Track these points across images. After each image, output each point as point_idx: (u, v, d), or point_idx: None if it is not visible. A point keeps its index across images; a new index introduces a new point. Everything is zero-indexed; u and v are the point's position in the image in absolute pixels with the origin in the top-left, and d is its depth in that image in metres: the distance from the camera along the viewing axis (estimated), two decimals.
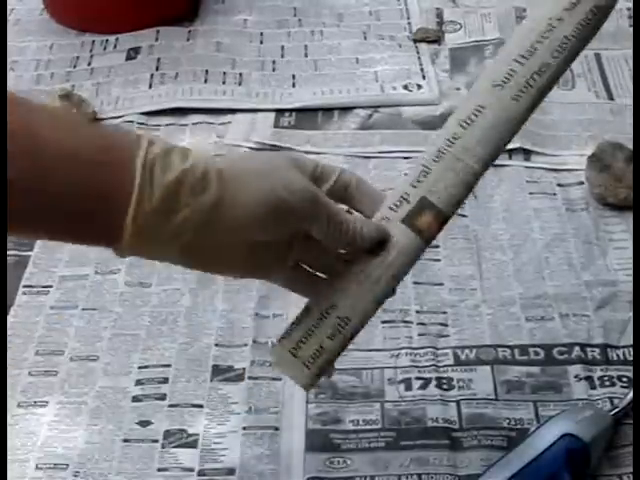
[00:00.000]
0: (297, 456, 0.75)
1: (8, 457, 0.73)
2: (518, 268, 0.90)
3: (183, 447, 0.76)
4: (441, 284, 0.89)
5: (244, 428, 0.77)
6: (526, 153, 1.04)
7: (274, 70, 1.20)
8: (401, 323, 0.85)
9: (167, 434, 0.77)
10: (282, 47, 1.24)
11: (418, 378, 0.80)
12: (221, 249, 0.55)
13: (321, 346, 0.59)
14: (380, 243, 0.59)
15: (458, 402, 0.78)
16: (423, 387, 0.79)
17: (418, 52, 1.22)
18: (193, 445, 0.76)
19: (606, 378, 0.79)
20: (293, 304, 0.74)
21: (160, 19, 1.29)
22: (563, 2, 0.59)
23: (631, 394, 0.75)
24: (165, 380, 0.81)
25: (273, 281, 0.65)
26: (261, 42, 1.26)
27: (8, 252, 0.94)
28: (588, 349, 0.82)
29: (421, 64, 1.19)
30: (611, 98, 1.12)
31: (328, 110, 1.14)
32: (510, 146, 1.00)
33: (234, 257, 0.57)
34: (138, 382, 0.81)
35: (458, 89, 1.15)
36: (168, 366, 0.82)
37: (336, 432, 0.76)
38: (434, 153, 0.60)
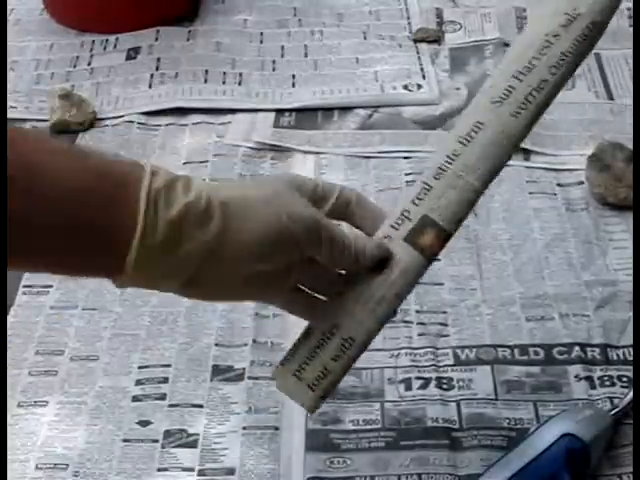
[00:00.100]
0: (297, 456, 0.75)
1: (8, 457, 0.73)
2: (518, 268, 0.90)
3: (183, 447, 0.76)
4: (441, 284, 0.89)
5: (244, 428, 0.77)
6: (526, 153, 1.04)
7: (274, 70, 1.20)
8: (401, 323, 0.84)
9: (167, 434, 0.77)
10: (282, 47, 1.25)
11: (418, 378, 0.80)
12: (222, 280, 0.54)
13: (325, 368, 0.59)
14: (382, 262, 0.59)
15: (458, 402, 0.78)
16: (423, 387, 0.79)
17: (418, 52, 1.22)
18: (193, 445, 0.76)
19: (606, 378, 0.79)
20: None
21: (160, 19, 1.29)
22: (559, 18, 0.59)
23: (631, 394, 0.75)
24: (165, 380, 0.81)
25: (271, 304, 0.65)
26: (261, 42, 1.26)
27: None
28: (588, 349, 0.82)
29: (421, 64, 1.19)
30: (611, 98, 1.12)
31: (328, 110, 1.14)
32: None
33: (234, 286, 0.56)
34: (138, 382, 0.81)
35: (458, 89, 1.15)
36: (168, 366, 0.82)
37: (336, 432, 0.76)
38: (434, 170, 0.60)
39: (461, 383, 0.79)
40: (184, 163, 1.07)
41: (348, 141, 1.09)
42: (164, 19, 1.29)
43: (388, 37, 1.25)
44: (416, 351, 0.82)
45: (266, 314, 0.86)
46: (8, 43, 1.25)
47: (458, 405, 0.78)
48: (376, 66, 1.19)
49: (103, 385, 0.81)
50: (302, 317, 0.63)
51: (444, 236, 0.60)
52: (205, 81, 1.18)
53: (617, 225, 0.95)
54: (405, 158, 1.05)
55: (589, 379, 0.79)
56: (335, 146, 1.08)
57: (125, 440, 0.76)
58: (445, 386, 0.79)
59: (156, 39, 1.26)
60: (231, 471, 0.74)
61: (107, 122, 1.13)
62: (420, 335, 0.84)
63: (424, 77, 1.17)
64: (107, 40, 1.27)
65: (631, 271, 0.88)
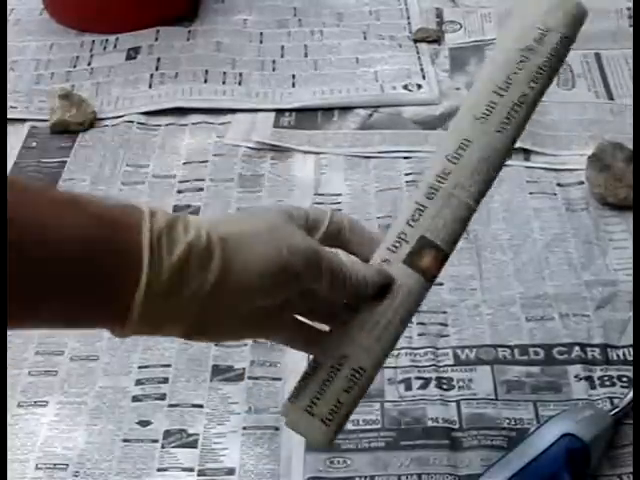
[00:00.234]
0: (297, 456, 0.75)
1: (8, 457, 0.73)
2: (518, 268, 0.90)
3: (183, 447, 0.76)
4: (441, 284, 0.89)
5: (244, 428, 0.77)
6: (526, 153, 1.04)
7: (274, 70, 1.20)
8: None
9: (167, 434, 0.77)
10: (282, 47, 1.25)
11: (418, 378, 0.80)
12: (222, 319, 0.53)
13: (338, 400, 0.57)
14: (384, 287, 0.58)
15: (458, 402, 0.78)
16: (423, 387, 0.79)
17: (418, 52, 1.22)
18: (193, 445, 0.76)
19: (606, 378, 0.79)
20: None
21: (160, 19, 1.29)
22: (532, 33, 0.61)
23: (631, 394, 0.75)
24: (165, 380, 0.81)
25: (271, 340, 0.64)
26: (261, 42, 1.26)
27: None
28: (588, 349, 0.82)
29: (421, 64, 1.19)
30: (611, 98, 1.12)
31: (328, 110, 1.14)
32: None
33: (234, 325, 0.55)
34: (138, 382, 0.81)
35: (458, 89, 1.15)
36: (168, 366, 0.82)
37: None
38: (426, 190, 0.60)
39: (461, 383, 0.79)
40: (184, 163, 1.07)
41: (348, 141, 1.09)
42: (164, 19, 1.29)
43: (388, 37, 1.25)
44: (416, 351, 0.82)
45: None
46: (8, 43, 1.25)
47: (458, 405, 0.78)
48: (376, 66, 1.19)
49: (103, 385, 0.81)
50: (305, 351, 0.62)
51: (442, 256, 0.59)
52: (205, 81, 1.18)
53: (617, 225, 0.95)
54: (405, 158, 1.05)
55: (589, 379, 0.79)
56: (335, 146, 1.08)
57: (125, 440, 0.76)
58: (445, 386, 0.79)
59: (156, 39, 1.26)
60: (231, 471, 0.74)
61: (107, 122, 1.13)
62: (420, 335, 0.84)
63: (424, 77, 1.17)
64: (107, 40, 1.27)
65: (631, 271, 0.88)
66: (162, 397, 0.80)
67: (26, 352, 0.84)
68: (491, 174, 0.60)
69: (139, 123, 1.12)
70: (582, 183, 0.99)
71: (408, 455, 0.74)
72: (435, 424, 0.76)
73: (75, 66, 1.23)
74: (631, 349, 0.81)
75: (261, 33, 1.27)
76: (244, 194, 1.02)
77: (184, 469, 0.74)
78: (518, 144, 1.00)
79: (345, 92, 1.16)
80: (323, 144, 1.08)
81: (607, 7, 1.25)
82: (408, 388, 0.79)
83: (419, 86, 1.16)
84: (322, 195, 1.01)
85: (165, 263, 0.48)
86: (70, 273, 0.46)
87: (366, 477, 0.73)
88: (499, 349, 0.82)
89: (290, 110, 1.14)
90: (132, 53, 1.24)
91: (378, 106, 1.14)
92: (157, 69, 1.21)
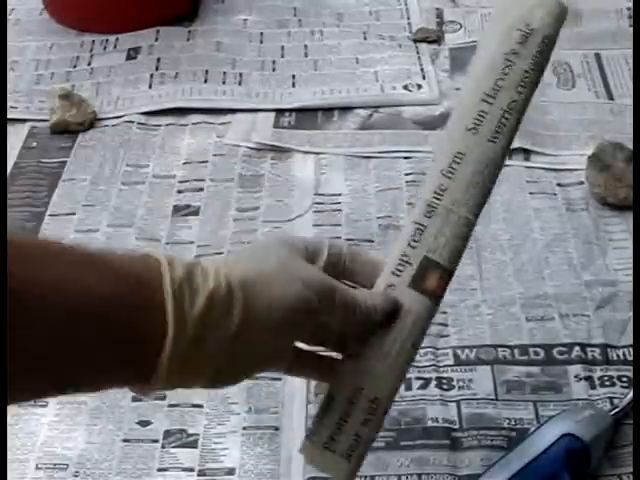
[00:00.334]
0: (297, 456, 0.74)
1: (8, 457, 0.73)
2: (518, 268, 0.90)
3: (183, 447, 0.76)
4: None
5: (244, 428, 0.77)
6: (526, 153, 1.04)
7: (274, 70, 1.20)
8: None
9: (167, 434, 0.77)
10: (282, 47, 1.25)
11: (418, 378, 0.80)
12: (245, 362, 0.52)
13: (357, 434, 0.56)
14: (392, 313, 0.57)
15: (458, 402, 0.78)
16: (423, 387, 0.79)
17: (418, 52, 1.22)
18: (193, 445, 0.76)
19: (606, 378, 0.79)
20: None
21: (160, 19, 1.29)
22: (514, 35, 0.60)
23: (631, 394, 0.75)
24: None
25: (286, 373, 0.63)
26: (261, 42, 1.26)
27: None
28: (588, 349, 0.82)
29: (421, 64, 1.19)
30: (611, 98, 1.12)
31: (328, 110, 1.14)
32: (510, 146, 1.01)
33: (254, 365, 0.53)
34: None
35: (458, 89, 1.15)
36: None
37: None
38: (425, 208, 0.59)
39: (461, 383, 0.79)
40: (184, 163, 1.07)
41: (348, 141, 1.09)
42: (164, 19, 1.29)
43: (388, 37, 1.25)
44: None
45: None
46: (8, 43, 1.25)
47: (458, 405, 0.78)
48: (376, 66, 1.19)
49: None
50: (319, 380, 0.61)
51: (447, 275, 0.58)
52: (205, 81, 1.18)
53: (617, 225, 0.95)
54: (405, 158, 1.05)
55: (589, 379, 0.79)
56: (335, 146, 1.08)
57: (125, 440, 0.76)
58: (445, 386, 0.79)
59: (156, 39, 1.26)
60: (231, 471, 0.74)
61: (107, 122, 1.13)
62: None
63: (424, 77, 1.17)
64: (107, 40, 1.27)
65: (631, 271, 0.88)
66: (162, 397, 0.80)
67: None
68: (488, 185, 0.59)
69: (139, 123, 1.12)
70: (582, 183, 0.99)
71: (408, 455, 0.74)
72: (435, 424, 0.76)
73: (75, 66, 1.23)
74: (631, 349, 0.81)
75: (261, 33, 1.27)
76: (244, 194, 1.02)
77: (184, 469, 0.74)
78: (518, 144, 1.02)
79: (345, 92, 1.16)
80: (323, 144, 1.08)
81: (607, 7, 1.25)
82: (408, 388, 0.79)
83: (419, 86, 1.16)
84: (322, 195, 1.01)
85: (189, 317, 0.47)
86: (93, 336, 0.44)
87: (366, 477, 0.73)
88: (499, 349, 0.82)
89: (290, 110, 1.14)
90: (132, 53, 1.24)
91: (378, 106, 1.14)
92: (157, 69, 1.21)
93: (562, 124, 1.08)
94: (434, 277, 0.58)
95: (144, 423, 0.78)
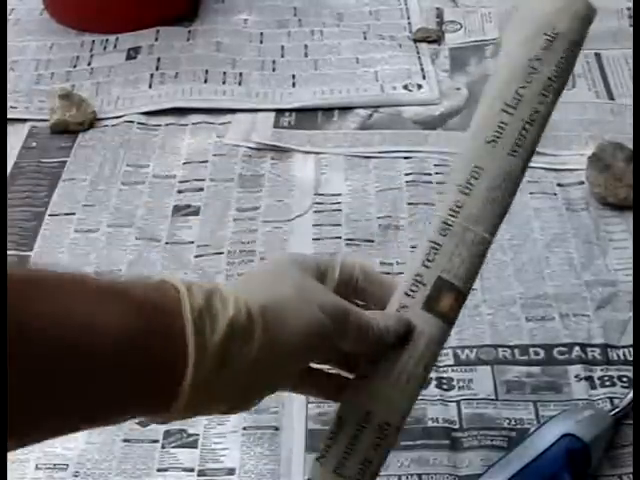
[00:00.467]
0: (297, 456, 0.75)
1: (8, 457, 0.73)
2: (518, 268, 0.90)
3: (183, 447, 0.76)
4: None
5: (244, 428, 0.77)
6: None
7: (274, 70, 1.20)
8: None
9: (167, 434, 0.77)
10: (282, 47, 1.24)
11: None
12: (264, 387, 0.52)
13: (366, 459, 0.55)
14: (405, 335, 0.56)
15: (458, 402, 0.78)
16: (423, 387, 0.79)
17: (418, 52, 1.22)
18: (193, 445, 0.76)
19: (606, 378, 0.79)
20: None
21: (160, 19, 1.29)
22: (539, 40, 0.57)
23: (631, 394, 0.75)
24: None
25: (297, 392, 0.62)
26: (261, 42, 1.26)
27: (8, 252, 0.94)
28: (588, 349, 0.82)
29: (421, 64, 1.19)
30: (611, 98, 1.12)
31: (328, 110, 1.14)
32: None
33: (271, 389, 0.53)
34: None
35: (458, 89, 1.15)
36: None
37: None
38: (440, 226, 0.56)
39: (461, 383, 0.79)
40: (184, 163, 1.07)
41: (348, 141, 1.09)
42: (164, 19, 1.29)
43: (388, 37, 1.25)
44: None
45: None
46: (8, 43, 1.25)
47: (458, 405, 0.78)
48: (376, 66, 1.19)
49: None
50: (330, 400, 0.60)
51: (461, 297, 0.57)
52: (205, 81, 1.18)
53: (617, 225, 0.95)
54: (405, 158, 1.05)
55: (589, 379, 0.79)
56: (335, 146, 1.08)
57: (125, 440, 0.76)
58: (445, 386, 0.79)
59: (156, 39, 1.26)
60: (231, 471, 0.74)
61: (107, 122, 1.13)
62: None
63: (424, 77, 1.17)
64: (107, 40, 1.27)
65: (631, 271, 0.88)
66: None
67: None
68: (506, 201, 0.57)
69: (139, 123, 1.12)
70: (582, 183, 0.99)
71: (408, 455, 0.74)
72: (435, 424, 0.76)
73: (75, 66, 1.23)
74: (631, 349, 0.81)
75: (261, 33, 1.27)
76: (244, 194, 1.02)
77: (184, 469, 0.74)
78: None
79: (345, 92, 1.16)
80: (323, 144, 1.08)
81: (607, 7, 1.25)
82: None
83: (419, 86, 1.16)
84: (322, 195, 1.01)
85: (209, 344, 0.46)
86: (112, 369, 0.44)
87: None
88: (499, 349, 0.82)
89: (290, 110, 1.14)
90: (132, 53, 1.24)
91: (378, 106, 1.14)
92: (157, 69, 1.21)
93: (562, 124, 1.08)
94: (448, 299, 0.56)
95: (144, 423, 0.78)
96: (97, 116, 1.13)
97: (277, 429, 0.77)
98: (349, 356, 0.57)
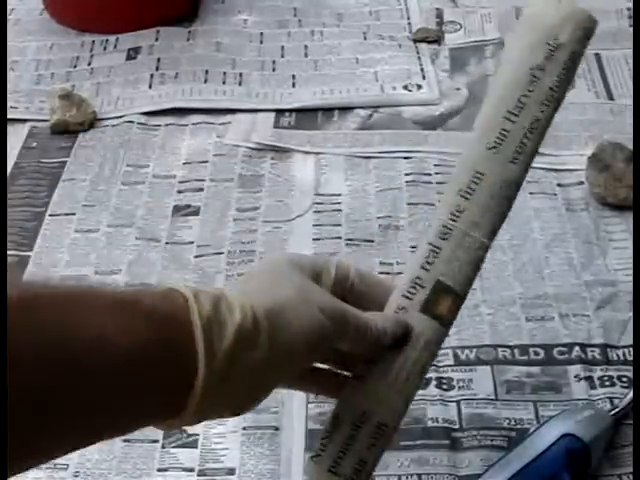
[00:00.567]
0: (297, 456, 0.75)
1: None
2: (518, 268, 0.90)
3: (183, 447, 0.76)
4: None
5: (244, 428, 0.77)
6: None
7: (274, 70, 1.20)
8: None
9: (167, 434, 0.77)
10: (282, 47, 1.25)
11: None
12: (267, 390, 0.52)
13: (362, 459, 0.56)
14: (402, 336, 0.56)
15: (458, 402, 0.78)
16: (423, 387, 0.79)
17: (418, 52, 1.22)
18: (193, 445, 0.76)
19: (606, 378, 0.79)
20: None
21: (160, 19, 1.29)
22: (542, 49, 0.57)
23: (631, 394, 0.75)
24: None
25: (296, 389, 0.63)
26: (261, 42, 1.26)
27: (8, 252, 0.94)
28: (588, 349, 0.82)
29: (421, 64, 1.19)
30: (611, 98, 1.12)
31: (328, 110, 1.14)
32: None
33: (272, 389, 0.53)
34: None
35: (458, 89, 1.15)
36: None
37: None
38: (440, 230, 0.57)
39: (461, 383, 0.79)
40: (184, 163, 1.07)
41: (348, 141, 1.09)
42: (164, 19, 1.29)
43: (388, 37, 1.25)
44: None
45: None
46: (8, 43, 1.25)
47: (458, 405, 0.78)
48: (376, 66, 1.19)
49: None
50: (328, 396, 0.61)
51: (459, 300, 0.58)
52: (205, 81, 1.18)
53: (617, 225, 0.95)
54: (405, 158, 1.05)
55: (589, 379, 0.79)
56: (335, 146, 1.08)
57: (125, 440, 0.76)
58: (445, 386, 0.79)
59: (156, 39, 1.26)
60: (231, 471, 0.74)
61: (107, 122, 1.13)
62: None
63: (424, 77, 1.17)
64: (107, 40, 1.27)
65: (631, 271, 0.88)
66: None
67: None
68: (506, 207, 0.58)
69: (139, 123, 1.12)
70: (582, 183, 0.99)
71: (408, 455, 0.74)
72: (435, 424, 0.76)
73: (75, 66, 1.23)
74: (631, 349, 0.81)
75: (261, 33, 1.27)
76: (244, 194, 1.02)
77: (184, 469, 0.74)
78: None
79: (345, 92, 1.16)
80: (323, 144, 1.08)
81: (607, 7, 1.25)
82: None
83: (419, 86, 1.16)
84: (322, 195, 1.01)
85: (218, 350, 0.47)
86: (125, 380, 0.44)
87: None
88: (499, 349, 0.82)
89: (290, 110, 1.14)
90: (132, 53, 1.24)
91: (378, 106, 1.14)
92: (157, 69, 1.21)
93: (562, 124, 1.08)
94: (446, 302, 0.57)
95: None
96: (97, 116, 1.13)
97: (277, 429, 0.77)
98: (346, 355, 0.58)
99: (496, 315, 0.86)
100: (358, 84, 1.17)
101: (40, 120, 1.14)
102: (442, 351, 0.82)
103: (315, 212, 0.99)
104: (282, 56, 1.23)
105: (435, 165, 1.03)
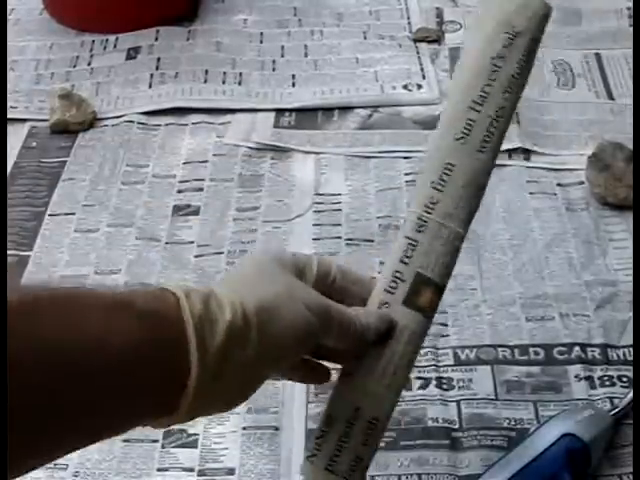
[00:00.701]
0: (297, 456, 0.75)
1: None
2: (518, 268, 0.90)
3: (183, 447, 0.76)
4: None
5: (244, 428, 0.77)
6: (526, 153, 1.04)
7: (274, 70, 1.20)
8: None
9: (167, 434, 0.77)
10: (282, 47, 1.25)
11: (418, 378, 0.80)
12: (257, 384, 0.53)
13: (357, 455, 0.57)
14: (387, 331, 0.57)
15: (458, 402, 0.78)
16: (423, 387, 0.79)
17: (418, 52, 1.22)
18: (193, 445, 0.76)
19: (606, 378, 0.79)
20: None
21: (160, 19, 1.29)
22: (500, 39, 0.59)
23: (631, 394, 0.75)
24: None
25: (285, 379, 0.63)
26: (261, 42, 1.26)
27: (8, 252, 0.94)
28: (588, 349, 0.82)
29: (421, 64, 1.19)
30: (611, 98, 1.12)
31: (328, 110, 1.14)
32: (510, 146, 1.02)
33: (261, 383, 0.54)
34: None
35: None
36: None
37: None
38: (416, 222, 0.59)
39: (461, 383, 0.79)
40: (184, 163, 1.07)
41: (348, 141, 1.09)
42: (164, 19, 1.29)
43: (388, 37, 1.25)
44: None
45: None
46: (8, 43, 1.25)
47: (458, 405, 0.78)
48: (376, 66, 1.19)
49: None
50: (309, 382, 0.62)
51: (439, 290, 0.59)
52: (205, 81, 1.18)
53: (617, 225, 0.95)
54: (405, 158, 1.05)
55: (589, 379, 0.79)
56: (335, 146, 1.08)
57: (125, 440, 0.76)
58: (445, 386, 0.79)
59: (156, 39, 1.26)
60: (231, 471, 0.74)
61: (107, 122, 1.13)
62: None
63: (424, 77, 1.17)
64: (107, 40, 1.27)
65: (631, 271, 0.88)
66: None
67: None
68: (478, 195, 0.59)
69: (139, 123, 1.12)
70: (582, 183, 0.99)
71: (408, 455, 0.74)
72: (435, 424, 0.76)
73: (75, 66, 1.23)
74: (631, 349, 0.81)
75: (261, 33, 1.27)
76: (244, 194, 1.02)
77: (184, 469, 0.74)
78: (518, 144, 1.02)
79: (345, 92, 1.16)
80: (323, 144, 1.08)
81: (607, 7, 1.25)
82: (408, 388, 0.79)
83: (419, 86, 1.16)
84: (322, 195, 1.01)
85: (210, 348, 0.47)
86: (118, 380, 0.44)
87: None
88: (499, 349, 0.82)
89: (290, 110, 1.14)
90: (132, 53, 1.24)
91: (378, 106, 1.14)
92: (157, 69, 1.21)
93: (562, 124, 1.08)
94: (427, 294, 0.58)
95: None
96: (97, 116, 1.13)
97: (277, 429, 0.77)
98: (335, 353, 0.58)
99: (496, 315, 0.86)
100: (358, 84, 1.17)
101: (40, 120, 1.14)
102: (442, 351, 0.82)
103: (315, 212, 0.99)
104: (282, 56, 1.23)
105: None
